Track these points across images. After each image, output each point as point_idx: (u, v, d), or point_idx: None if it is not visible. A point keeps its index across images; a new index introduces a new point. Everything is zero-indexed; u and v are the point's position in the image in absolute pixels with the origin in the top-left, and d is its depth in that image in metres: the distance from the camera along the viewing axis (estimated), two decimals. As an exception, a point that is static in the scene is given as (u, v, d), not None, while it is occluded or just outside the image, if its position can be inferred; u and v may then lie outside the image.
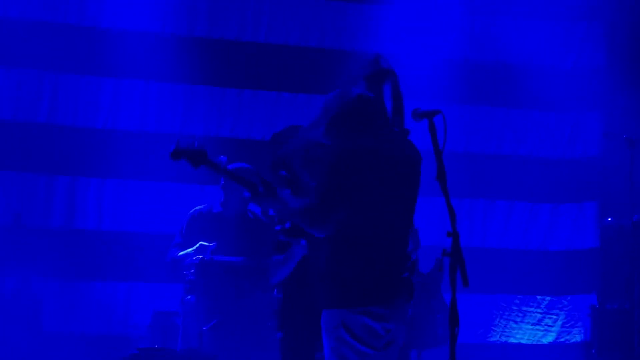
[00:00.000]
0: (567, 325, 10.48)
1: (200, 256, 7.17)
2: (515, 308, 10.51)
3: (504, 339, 10.42)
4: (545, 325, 10.52)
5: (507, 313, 10.49)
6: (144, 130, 9.67)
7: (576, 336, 10.31)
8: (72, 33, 9.48)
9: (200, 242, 7.35)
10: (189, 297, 7.61)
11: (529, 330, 10.49)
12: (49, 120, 9.43)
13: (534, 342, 10.45)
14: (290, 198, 4.80)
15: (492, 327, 10.42)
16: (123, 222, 9.57)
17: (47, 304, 8.36)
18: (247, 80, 9.96)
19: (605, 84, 10.62)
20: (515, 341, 10.42)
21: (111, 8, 9.63)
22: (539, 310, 10.55)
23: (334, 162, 4.67)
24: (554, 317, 10.54)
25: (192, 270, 7.31)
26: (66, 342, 8.56)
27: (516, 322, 10.49)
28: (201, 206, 8.04)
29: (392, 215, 4.71)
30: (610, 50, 10.69)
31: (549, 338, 10.48)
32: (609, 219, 9.58)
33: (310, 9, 10.17)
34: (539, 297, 10.56)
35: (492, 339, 10.37)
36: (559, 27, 10.75)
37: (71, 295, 9.12)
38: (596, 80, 10.67)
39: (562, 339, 10.45)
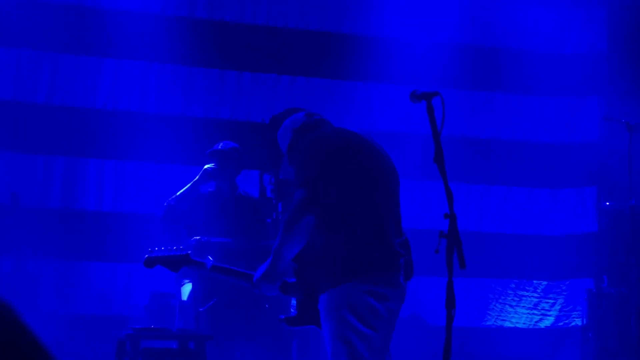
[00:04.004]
0: (566, 309, 10.49)
1: (197, 237, 7.18)
2: (511, 292, 10.53)
3: (499, 322, 10.44)
4: (542, 309, 10.54)
5: (502, 297, 10.51)
6: (144, 111, 9.66)
7: (575, 320, 10.30)
8: (72, 13, 9.46)
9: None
10: (185, 280, 7.61)
11: (524, 314, 10.51)
12: (48, 100, 9.42)
13: (530, 326, 10.47)
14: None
15: (488, 311, 10.44)
16: (123, 203, 9.58)
17: (44, 283, 8.34)
18: (247, 62, 9.96)
19: (604, 68, 10.61)
20: (510, 325, 10.44)
21: (112, -12, 9.62)
22: (535, 295, 10.56)
23: (309, 152, 4.65)
24: (551, 301, 10.55)
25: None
26: (63, 321, 8.55)
27: (512, 306, 10.51)
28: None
29: (378, 195, 4.68)
30: (611, 35, 10.67)
31: (546, 322, 10.50)
32: (607, 203, 9.57)
33: (310, -9, 10.16)
34: (535, 281, 10.58)
35: (487, 323, 10.40)
36: (559, 12, 10.74)
37: (69, 276, 9.12)
38: (596, 65, 10.66)
39: (560, 323, 10.46)
